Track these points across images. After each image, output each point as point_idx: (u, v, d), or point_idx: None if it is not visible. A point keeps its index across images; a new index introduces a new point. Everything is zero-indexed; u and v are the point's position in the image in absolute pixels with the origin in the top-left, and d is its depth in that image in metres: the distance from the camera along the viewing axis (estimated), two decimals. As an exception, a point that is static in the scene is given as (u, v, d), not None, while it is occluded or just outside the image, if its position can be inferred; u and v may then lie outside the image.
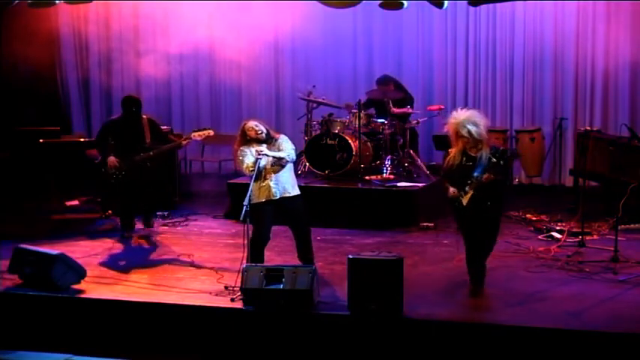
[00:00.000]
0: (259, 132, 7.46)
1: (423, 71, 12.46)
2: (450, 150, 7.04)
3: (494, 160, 6.78)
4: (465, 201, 6.85)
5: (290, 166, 7.56)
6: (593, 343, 6.14)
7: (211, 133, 9.19)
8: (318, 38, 12.31)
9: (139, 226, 9.55)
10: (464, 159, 6.88)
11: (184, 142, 9.31)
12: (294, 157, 7.59)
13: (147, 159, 9.19)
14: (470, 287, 7.06)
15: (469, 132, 6.76)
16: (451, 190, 6.90)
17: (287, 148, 7.48)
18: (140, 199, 9.30)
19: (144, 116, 9.31)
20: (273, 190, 7.42)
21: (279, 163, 7.42)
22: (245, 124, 7.58)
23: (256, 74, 12.97)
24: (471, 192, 6.81)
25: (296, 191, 7.58)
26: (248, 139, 7.50)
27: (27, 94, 12.79)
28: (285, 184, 7.48)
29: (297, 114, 12.00)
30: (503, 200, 7.17)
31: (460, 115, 6.88)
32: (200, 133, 9.12)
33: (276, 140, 7.54)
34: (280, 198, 7.45)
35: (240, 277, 6.92)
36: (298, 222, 7.64)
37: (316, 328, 6.64)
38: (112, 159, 9.09)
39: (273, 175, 7.42)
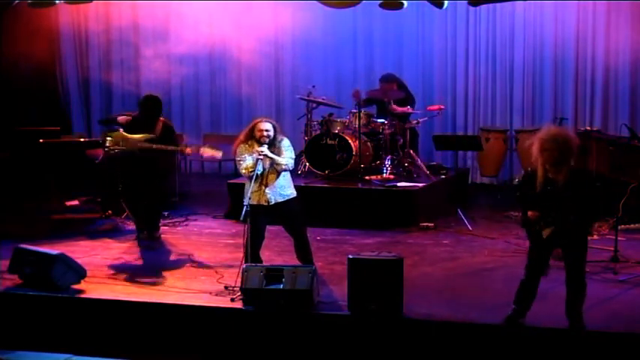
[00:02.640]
0: (266, 137, 7.40)
1: (423, 71, 12.47)
2: (528, 169, 6.37)
3: (580, 189, 6.06)
4: (545, 233, 6.15)
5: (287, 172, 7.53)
6: (593, 343, 6.14)
7: (219, 155, 8.70)
8: (318, 38, 12.32)
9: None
10: (545, 182, 6.13)
11: (188, 151, 8.98)
12: (293, 167, 7.53)
13: (147, 150, 8.79)
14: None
15: (558, 147, 6.03)
16: (530, 213, 6.14)
17: (286, 156, 7.42)
18: (144, 197, 9.07)
19: (161, 119, 9.07)
20: (268, 196, 7.38)
21: (276, 169, 7.38)
22: (258, 123, 7.44)
23: (256, 74, 12.98)
24: (553, 227, 6.11)
25: (291, 194, 7.52)
26: (252, 136, 7.47)
27: (27, 94, 12.79)
28: (280, 189, 7.44)
29: (297, 114, 12.00)
30: (591, 224, 6.56)
31: (552, 129, 6.24)
32: (210, 152, 8.66)
33: (279, 142, 7.48)
34: (274, 203, 7.43)
35: (240, 277, 6.92)
36: (293, 223, 7.59)
37: (316, 328, 6.64)
38: (122, 117, 8.96)
39: (269, 181, 7.38)
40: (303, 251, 7.63)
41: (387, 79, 11.04)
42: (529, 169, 6.36)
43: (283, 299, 6.69)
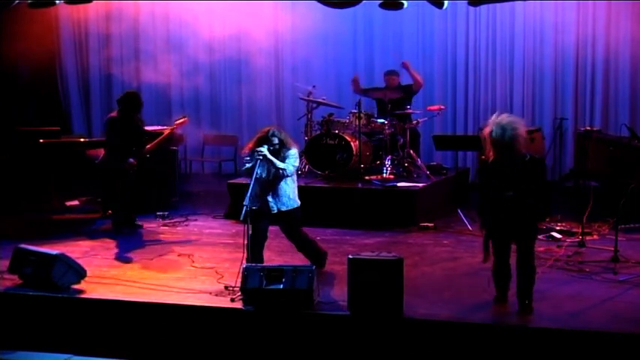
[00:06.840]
0: (270, 146, 7.42)
1: (423, 71, 12.43)
2: (482, 157, 6.56)
3: (533, 176, 6.37)
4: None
5: (291, 179, 7.50)
6: (593, 343, 6.14)
7: (186, 120, 10.07)
8: (318, 38, 12.32)
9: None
10: (499, 166, 6.39)
11: (167, 132, 9.99)
12: (292, 173, 7.48)
13: (148, 151, 9.68)
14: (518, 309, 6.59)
15: (504, 134, 6.27)
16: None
17: (288, 162, 7.40)
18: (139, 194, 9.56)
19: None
20: (270, 204, 7.41)
21: (276, 174, 7.38)
22: (265, 133, 7.44)
23: (256, 74, 12.97)
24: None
25: (294, 203, 7.53)
26: (259, 143, 7.47)
27: (27, 94, 12.80)
28: (283, 197, 7.45)
29: (297, 114, 12.01)
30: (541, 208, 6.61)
31: (501, 118, 6.38)
32: (178, 122, 10.03)
33: (286, 151, 7.44)
34: (277, 212, 7.46)
35: (240, 277, 6.93)
36: (291, 231, 7.63)
37: (316, 328, 6.64)
38: (132, 161, 9.35)
39: (272, 189, 7.40)
40: (308, 249, 7.68)
41: (391, 72, 11.08)
42: (482, 157, 6.54)
43: (283, 299, 6.70)
